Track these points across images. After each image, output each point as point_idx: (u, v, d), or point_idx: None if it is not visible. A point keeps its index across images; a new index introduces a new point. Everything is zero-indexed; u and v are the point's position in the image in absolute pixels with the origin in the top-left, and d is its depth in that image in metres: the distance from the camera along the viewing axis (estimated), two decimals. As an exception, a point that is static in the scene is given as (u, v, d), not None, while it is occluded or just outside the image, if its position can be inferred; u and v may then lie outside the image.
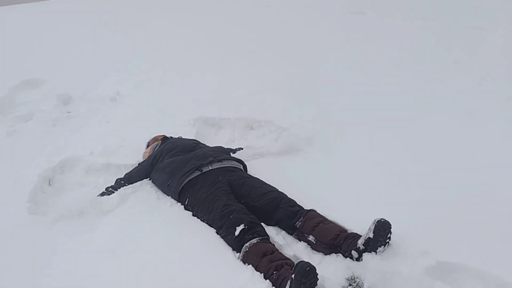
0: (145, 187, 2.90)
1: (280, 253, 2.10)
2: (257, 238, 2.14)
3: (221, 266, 2.09)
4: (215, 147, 3.14)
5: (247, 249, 2.10)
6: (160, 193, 2.83)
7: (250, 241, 2.12)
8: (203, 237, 2.30)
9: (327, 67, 5.25)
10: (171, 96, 4.74)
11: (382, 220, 2.02)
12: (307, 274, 1.74)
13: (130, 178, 3.01)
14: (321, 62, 5.45)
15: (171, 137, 3.42)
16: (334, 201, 2.49)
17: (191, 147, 3.03)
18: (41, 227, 2.54)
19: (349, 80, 4.73)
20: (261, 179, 2.67)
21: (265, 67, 5.37)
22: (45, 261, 2.24)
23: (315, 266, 1.78)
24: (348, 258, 2.10)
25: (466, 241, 2.10)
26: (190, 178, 2.62)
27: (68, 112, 4.61)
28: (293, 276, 1.76)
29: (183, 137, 3.42)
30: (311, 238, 2.23)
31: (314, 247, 2.22)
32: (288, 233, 2.36)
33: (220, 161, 2.76)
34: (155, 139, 3.45)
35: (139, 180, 2.97)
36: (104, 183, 3.15)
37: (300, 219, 2.30)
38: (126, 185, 2.93)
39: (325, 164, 3.02)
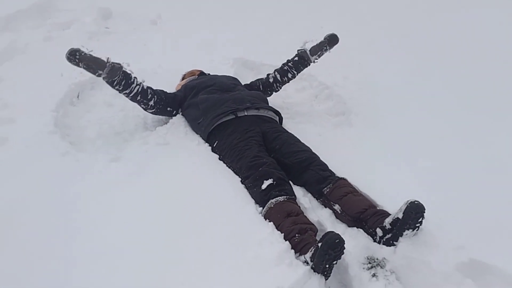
0: (175, 119, 2.78)
1: (305, 216, 1.98)
2: (284, 197, 2.01)
3: (240, 217, 1.98)
4: (254, 92, 2.92)
5: (272, 206, 1.97)
6: (189, 129, 2.70)
7: (276, 198, 1.99)
8: (226, 183, 2.19)
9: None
10: (215, 31, 4.50)
11: (416, 202, 1.84)
12: (335, 246, 1.62)
13: (162, 93, 2.79)
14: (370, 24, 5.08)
15: (209, 74, 3.25)
16: (369, 174, 2.32)
17: (229, 87, 2.85)
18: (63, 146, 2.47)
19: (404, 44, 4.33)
20: (295, 135, 2.52)
21: (322, 17, 5.00)
22: (70, 177, 2.21)
23: (344, 239, 1.66)
24: (370, 236, 1.97)
25: (509, 245, 1.93)
26: (223, 121, 2.48)
27: (106, 28, 4.45)
28: (319, 244, 1.64)
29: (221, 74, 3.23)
30: (336, 207, 2.09)
31: (339, 216, 2.09)
32: (314, 197, 2.22)
33: (257, 108, 2.59)
34: (191, 73, 3.28)
35: (168, 107, 2.78)
36: (133, 107, 3.05)
37: (329, 186, 2.15)
38: (152, 94, 2.70)
39: (366, 133, 2.81)
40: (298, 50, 3.01)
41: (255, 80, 3.15)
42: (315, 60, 3.01)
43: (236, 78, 3.16)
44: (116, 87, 2.49)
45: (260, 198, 2.06)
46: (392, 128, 2.81)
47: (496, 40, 3.99)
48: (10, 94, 2.96)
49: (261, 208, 2.02)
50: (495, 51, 3.78)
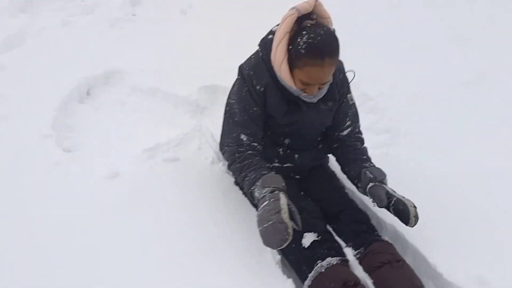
0: (192, 127, 2.37)
1: (364, 286, 1.49)
2: (337, 258, 1.53)
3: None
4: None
5: (323, 270, 1.49)
6: (203, 140, 2.29)
7: (327, 260, 1.52)
8: (242, 225, 1.75)
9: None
10: (244, 28, 4.00)
11: None
12: None
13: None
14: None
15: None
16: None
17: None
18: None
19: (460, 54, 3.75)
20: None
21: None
22: (53, 198, 1.86)
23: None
24: None
25: None
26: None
27: (133, 15, 4.11)
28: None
29: None
30: (369, 281, 1.59)
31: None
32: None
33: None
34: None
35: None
36: (148, 108, 2.70)
37: (360, 249, 1.66)
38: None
39: (414, 159, 2.32)
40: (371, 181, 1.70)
41: None
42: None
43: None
44: None
45: (300, 258, 1.59)
46: (451, 157, 2.29)
47: None
48: (10, 85, 2.65)
49: (305, 272, 1.54)
50: None
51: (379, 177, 1.65)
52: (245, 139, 1.65)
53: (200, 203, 1.86)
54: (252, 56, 1.69)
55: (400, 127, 2.62)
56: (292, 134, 1.80)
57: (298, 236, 1.56)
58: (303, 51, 1.45)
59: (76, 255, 1.58)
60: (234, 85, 1.73)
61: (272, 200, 1.36)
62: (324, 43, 1.45)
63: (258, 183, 1.47)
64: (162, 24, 3.83)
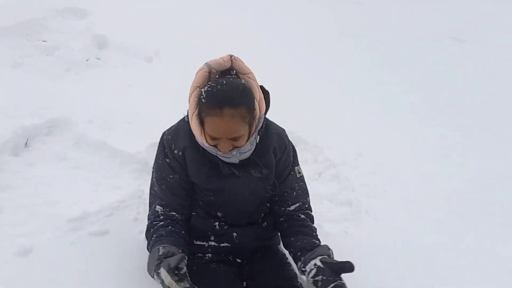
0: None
1: None
2: None
3: None
4: None
5: None
6: (144, 209, 2.04)
7: None
8: None
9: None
10: None
11: None
12: None
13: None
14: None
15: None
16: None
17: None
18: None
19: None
20: None
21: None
22: None
23: None
24: None
25: None
26: None
27: (97, 59, 3.91)
28: None
29: None
30: None
31: None
32: None
33: None
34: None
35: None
36: (87, 166, 2.44)
37: None
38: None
39: (376, 241, 2.12)
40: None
41: None
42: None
43: None
44: None
45: None
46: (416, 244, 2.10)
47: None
48: None
49: None
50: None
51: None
52: (160, 210, 1.58)
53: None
54: (176, 123, 1.66)
55: (363, 201, 2.44)
56: (222, 204, 1.65)
57: None
58: (204, 101, 1.41)
59: None
60: (157, 151, 1.66)
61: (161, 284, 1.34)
62: (223, 93, 1.40)
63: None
64: (124, 71, 3.64)
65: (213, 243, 1.66)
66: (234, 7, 5.61)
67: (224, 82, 1.42)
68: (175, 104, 3.08)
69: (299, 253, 1.58)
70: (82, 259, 1.72)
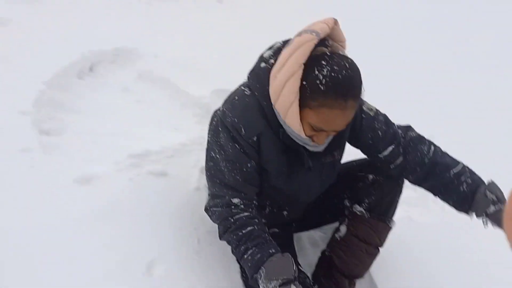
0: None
1: None
2: None
3: None
4: None
5: None
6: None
7: None
8: None
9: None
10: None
11: None
12: None
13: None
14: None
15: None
16: None
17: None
18: None
19: None
20: None
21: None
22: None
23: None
24: None
25: None
26: None
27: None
28: None
29: None
30: None
31: None
32: None
33: None
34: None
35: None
36: (155, 100, 2.38)
37: None
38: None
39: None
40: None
41: None
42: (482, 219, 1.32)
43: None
44: None
45: None
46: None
47: None
48: (6, 44, 2.32)
49: None
50: None
51: (502, 197, 1.24)
52: (239, 203, 1.25)
53: (169, 241, 1.52)
54: (236, 98, 1.24)
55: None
56: (284, 199, 1.41)
57: None
58: (323, 88, 1.06)
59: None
60: (212, 133, 1.28)
61: None
62: (350, 80, 1.07)
63: (262, 271, 1.12)
64: (196, 12, 3.47)
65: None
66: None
67: (346, 64, 1.08)
68: (246, 50, 2.95)
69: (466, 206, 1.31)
70: (138, 198, 1.65)
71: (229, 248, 1.28)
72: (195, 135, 2.10)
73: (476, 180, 1.29)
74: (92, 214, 1.51)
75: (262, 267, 1.12)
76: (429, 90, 2.90)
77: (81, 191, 1.60)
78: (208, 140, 1.31)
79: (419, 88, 2.89)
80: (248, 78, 1.23)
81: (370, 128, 1.32)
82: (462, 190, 1.28)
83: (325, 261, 1.53)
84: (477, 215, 1.28)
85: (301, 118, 1.12)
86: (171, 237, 1.55)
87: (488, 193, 1.24)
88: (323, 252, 1.57)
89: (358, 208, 1.47)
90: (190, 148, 1.97)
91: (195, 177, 1.83)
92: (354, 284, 1.55)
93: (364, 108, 1.33)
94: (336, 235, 1.51)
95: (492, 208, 1.23)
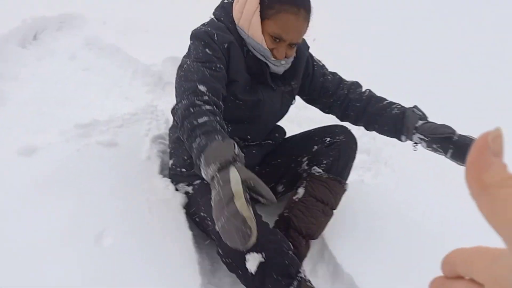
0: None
1: None
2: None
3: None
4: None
5: None
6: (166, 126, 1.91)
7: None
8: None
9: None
10: None
11: None
12: None
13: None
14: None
15: None
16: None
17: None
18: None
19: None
20: None
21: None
22: None
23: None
24: None
25: None
26: None
27: None
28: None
29: None
30: None
31: None
32: None
33: None
34: None
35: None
36: (99, 70, 2.28)
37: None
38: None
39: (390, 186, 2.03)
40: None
41: None
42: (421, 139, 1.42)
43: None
44: None
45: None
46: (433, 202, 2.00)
47: None
48: None
49: None
50: None
51: (426, 116, 1.46)
52: (204, 90, 1.21)
53: (119, 210, 1.50)
54: (205, 23, 1.40)
55: (383, 150, 2.32)
56: (250, 118, 1.49)
57: (240, 260, 1.23)
58: None
59: None
60: (189, 49, 1.36)
61: (221, 184, 0.94)
62: None
63: (202, 157, 1.02)
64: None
65: None
66: None
67: None
68: (196, 15, 2.89)
69: (397, 126, 1.47)
70: (87, 168, 1.61)
71: (181, 216, 1.27)
72: (146, 104, 2.05)
73: (405, 106, 1.50)
74: (36, 185, 1.47)
75: (202, 154, 1.03)
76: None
77: (26, 162, 1.55)
78: (180, 64, 1.35)
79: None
80: (214, 12, 1.42)
81: (320, 73, 1.58)
82: (394, 113, 1.47)
83: (283, 222, 1.57)
84: (408, 133, 1.43)
85: (262, 31, 1.30)
86: (122, 207, 1.52)
87: (416, 110, 1.45)
88: (280, 215, 1.60)
89: (316, 169, 1.57)
90: (140, 117, 1.93)
91: (146, 147, 1.80)
92: (309, 246, 1.59)
93: (315, 58, 1.59)
94: (294, 197, 1.56)
95: (420, 122, 1.41)
